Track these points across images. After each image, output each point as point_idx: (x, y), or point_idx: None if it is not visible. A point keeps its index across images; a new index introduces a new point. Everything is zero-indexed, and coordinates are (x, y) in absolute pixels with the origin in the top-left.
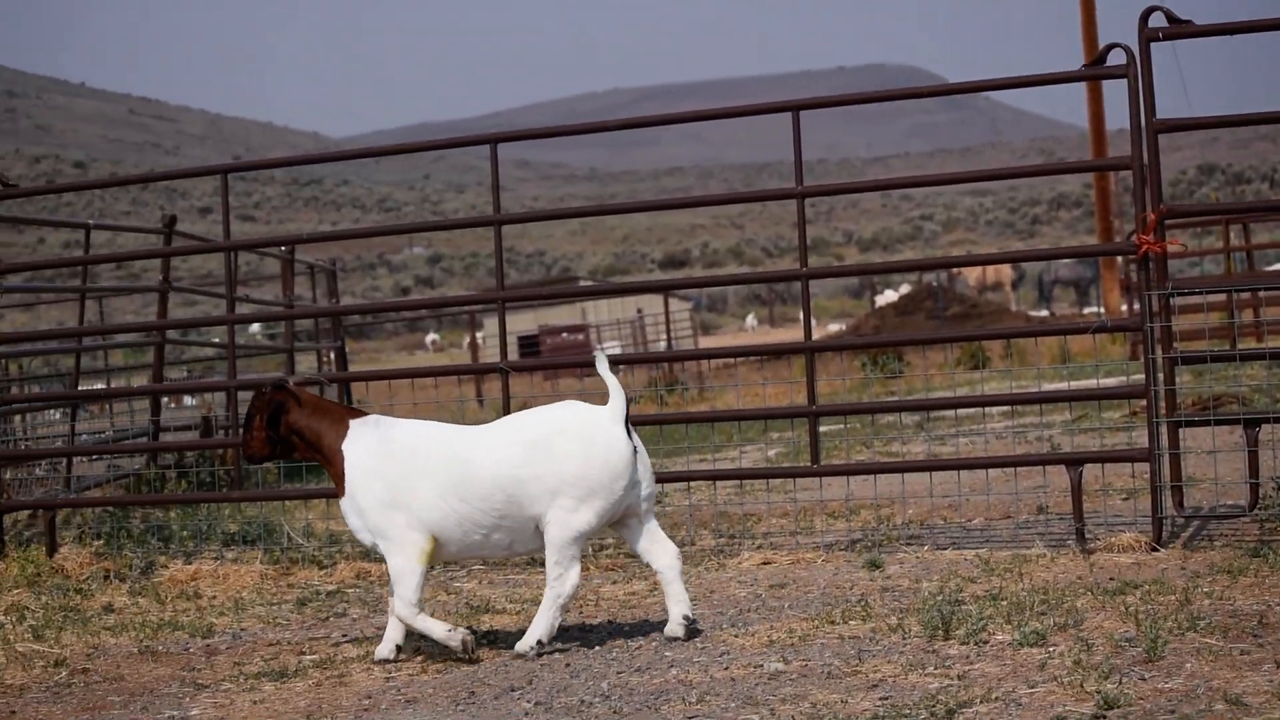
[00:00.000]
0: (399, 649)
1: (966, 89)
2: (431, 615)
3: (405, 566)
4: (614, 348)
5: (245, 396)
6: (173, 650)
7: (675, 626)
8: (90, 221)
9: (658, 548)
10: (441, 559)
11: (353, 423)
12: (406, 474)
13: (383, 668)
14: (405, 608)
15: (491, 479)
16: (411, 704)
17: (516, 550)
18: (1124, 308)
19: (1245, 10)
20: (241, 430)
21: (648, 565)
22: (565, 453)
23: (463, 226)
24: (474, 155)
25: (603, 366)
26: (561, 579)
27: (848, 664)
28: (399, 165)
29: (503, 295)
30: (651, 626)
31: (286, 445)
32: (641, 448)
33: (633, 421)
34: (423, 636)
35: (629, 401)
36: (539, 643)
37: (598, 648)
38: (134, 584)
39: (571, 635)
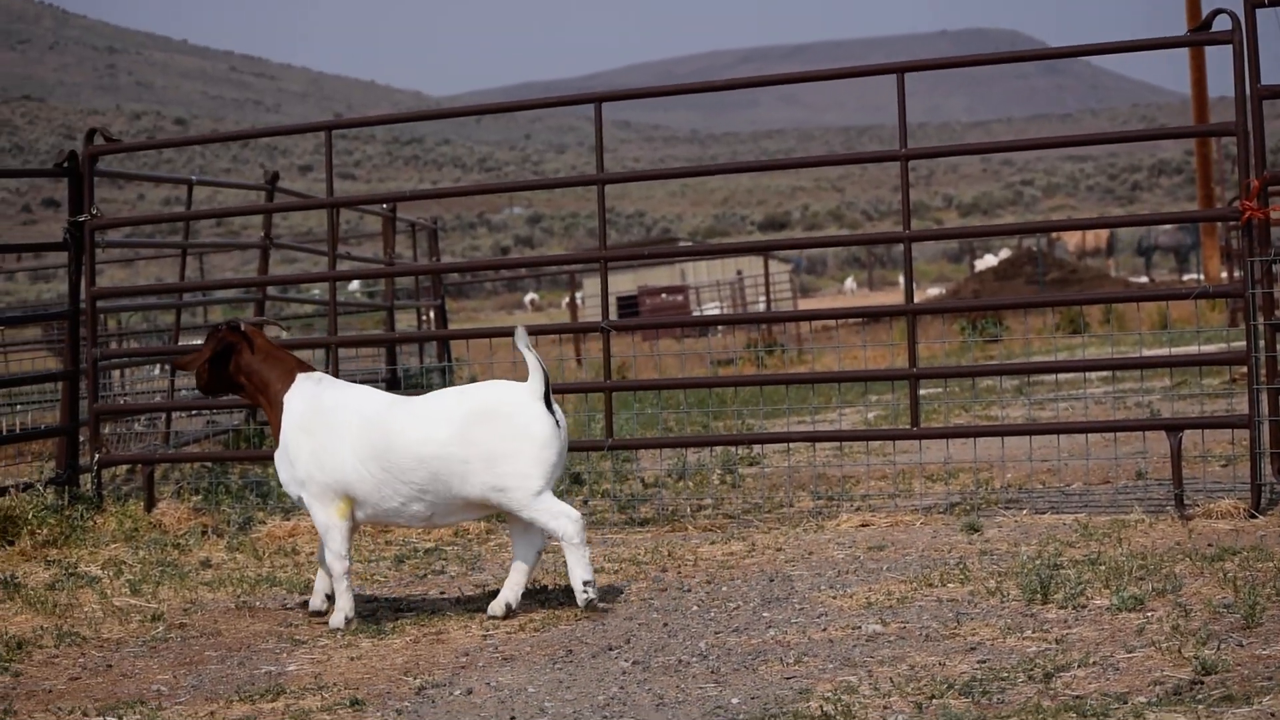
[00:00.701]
0: (327, 598)
1: (1068, 53)
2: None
3: (327, 521)
4: (713, 309)
5: (346, 353)
6: (270, 606)
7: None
8: (193, 177)
9: (527, 536)
10: (358, 519)
11: (299, 376)
12: (333, 434)
13: (480, 625)
14: (335, 560)
15: (415, 454)
16: (509, 662)
17: (436, 522)
18: (1224, 274)
19: None
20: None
21: (507, 537)
22: (494, 433)
23: (566, 185)
24: (574, 116)
25: (521, 342)
26: (561, 526)
27: (946, 626)
28: (499, 125)
29: (605, 255)
30: (750, 588)
31: (235, 384)
32: (564, 423)
33: (734, 382)
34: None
35: (548, 378)
36: (585, 583)
37: (695, 608)
38: (231, 539)
39: (670, 595)
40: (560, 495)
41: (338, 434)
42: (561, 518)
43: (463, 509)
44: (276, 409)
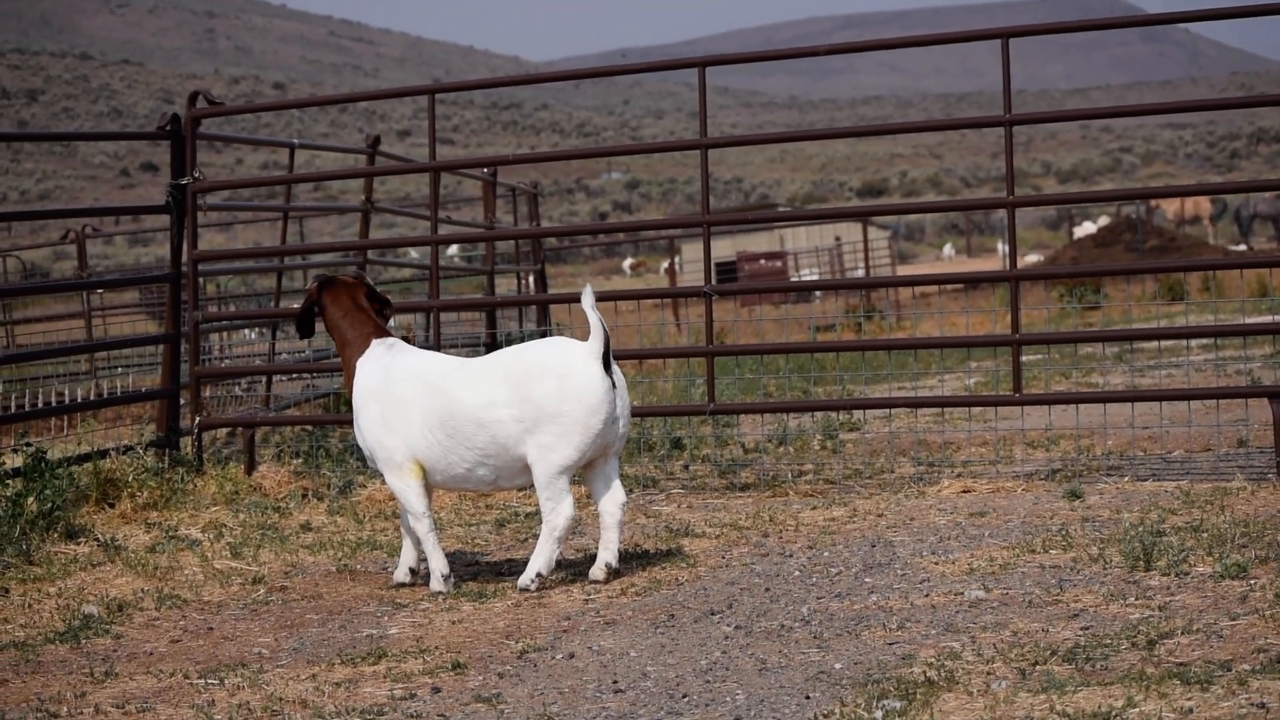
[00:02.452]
0: (411, 571)
1: (1168, 20)
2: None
3: (401, 485)
4: (811, 275)
5: (446, 318)
6: (371, 569)
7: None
8: (294, 141)
9: (609, 491)
10: (429, 485)
11: (374, 341)
12: (400, 401)
13: (582, 589)
14: (417, 522)
15: (474, 417)
16: (610, 626)
17: (502, 485)
18: None
19: None
20: None
21: (591, 503)
22: (543, 390)
23: (668, 150)
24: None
25: (587, 301)
26: (554, 513)
27: (1048, 593)
28: (598, 91)
29: (707, 219)
30: (851, 553)
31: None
32: (621, 384)
33: (835, 347)
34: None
35: (609, 338)
36: (538, 575)
37: (797, 573)
38: (332, 503)
39: (771, 560)
40: (661, 459)
41: (404, 401)
42: (563, 508)
43: (524, 471)
44: (349, 372)
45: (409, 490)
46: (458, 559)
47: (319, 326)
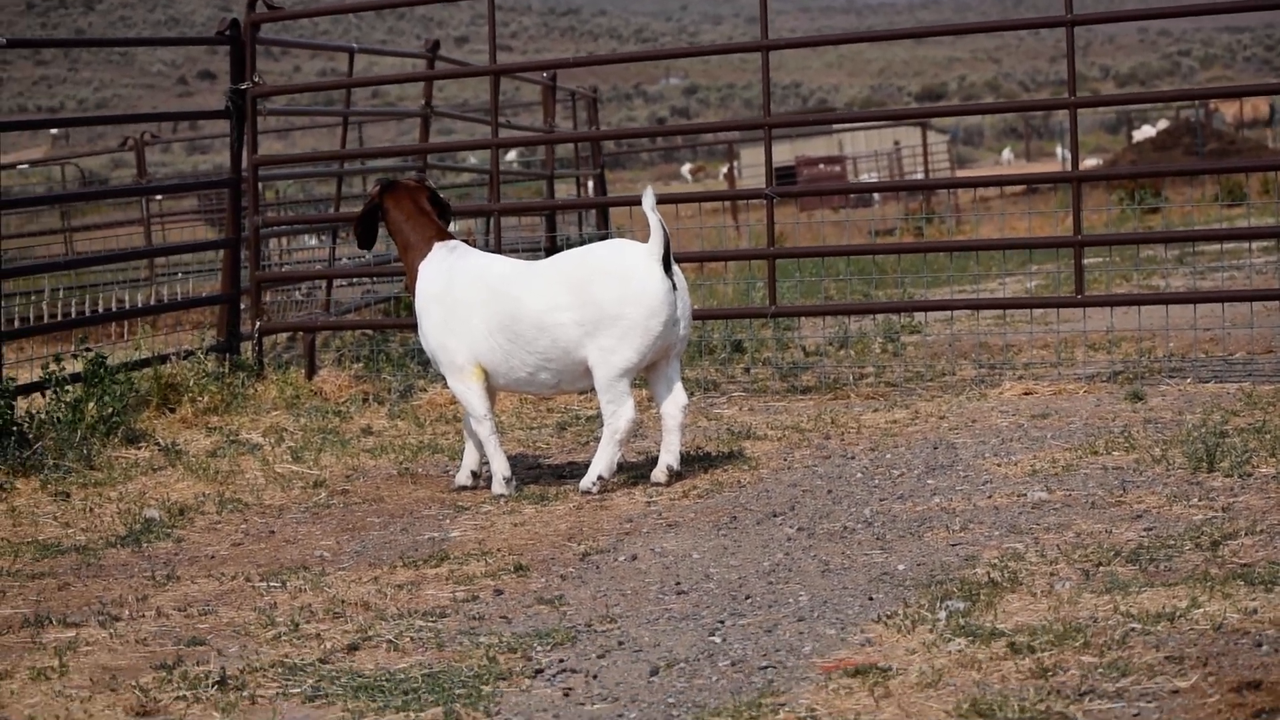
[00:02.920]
0: (475, 476)
1: None
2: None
3: (463, 388)
4: (870, 179)
5: (508, 222)
6: (432, 473)
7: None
8: (355, 45)
9: (671, 394)
10: (491, 388)
11: (436, 245)
12: (462, 305)
13: (644, 491)
14: (479, 425)
15: (536, 321)
16: (673, 528)
17: (564, 389)
18: None
19: None
20: None
21: (653, 406)
22: (603, 292)
23: (730, 52)
24: None
25: (648, 203)
26: (616, 415)
27: (1111, 494)
28: None
29: (768, 122)
30: (914, 455)
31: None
32: (682, 286)
33: (896, 249)
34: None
35: (669, 240)
36: (600, 478)
37: (859, 475)
38: (393, 407)
39: (834, 462)
40: (722, 363)
41: (467, 304)
42: (624, 410)
43: (585, 375)
44: (411, 276)
45: (471, 393)
46: (519, 462)
47: (380, 232)
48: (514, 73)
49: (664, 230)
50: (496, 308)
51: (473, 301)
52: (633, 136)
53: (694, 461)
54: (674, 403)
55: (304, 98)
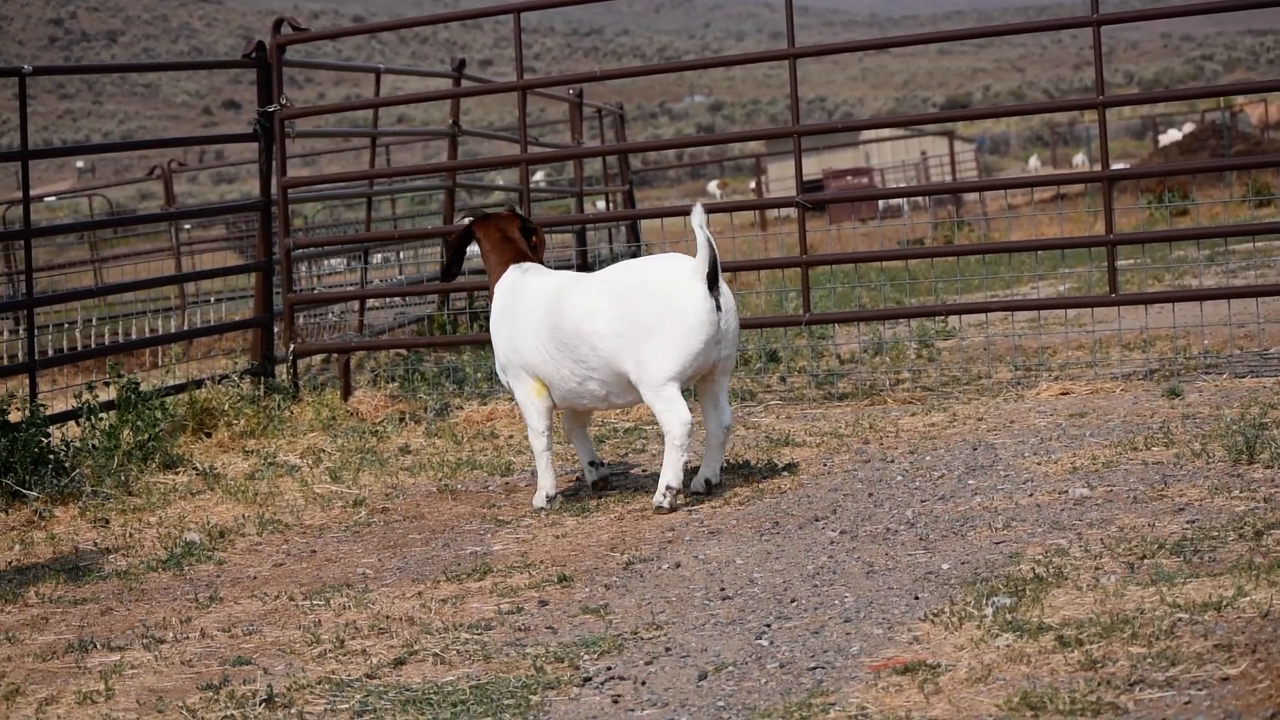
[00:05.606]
0: (595, 466)
1: None
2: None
3: (524, 400)
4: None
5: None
6: (471, 489)
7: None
8: (381, 66)
9: (715, 412)
10: (553, 405)
11: (511, 267)
12: (521, 319)
13: (685, 499)
14: (534, 438)
15: (575, 330)
16: (715, 535)
17: (614, 402)
18: None
19: None
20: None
21: (701, 424)
22: (643, 305)
23: (756, 61)
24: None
25: (697, 220)
26: (668, 421)
27: (1153, 489)
28: (678, 15)
29: (798, 130)
30: (953, 457)
31: None
32: (729, 306)
33: (929, 254)
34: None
35: (715, 258)
36: (669, 488)
37: (899, 478)
38: (429, 426)
39: (873, 466)
40: (758, 372)
41: (526, 317)
42: (675, 415)
43: (632, 387)
44: (492, 297)
45: (530, 407)
46: (558, 474)
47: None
48: (540, 88)
49: (711, 248)
50: (546, 317)
51: (530, 314)
52: (661, 149)
53: (734, 470)
54: (718, 421)
55: (330, 121)
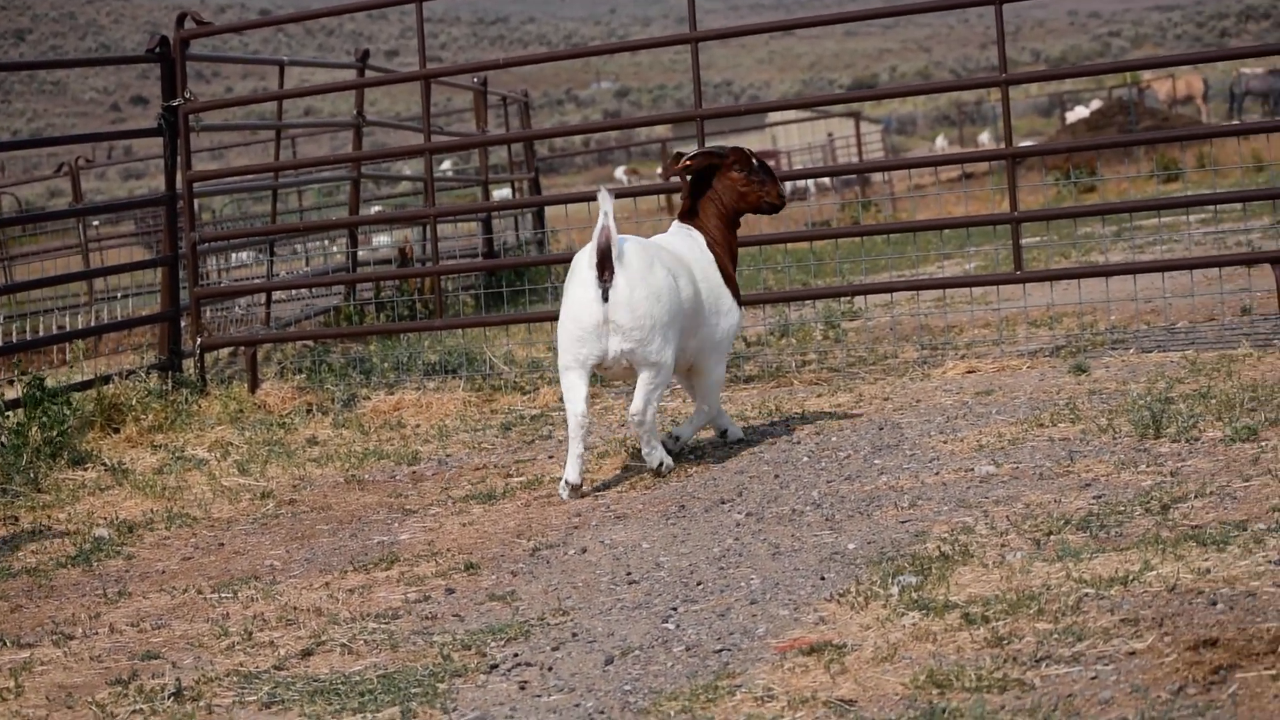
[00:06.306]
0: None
1: None
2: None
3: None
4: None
5: (443, 229)
6: (379, 479)
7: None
8: (285, 58)
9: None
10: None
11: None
12: None
13: (591, 485)
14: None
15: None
16: (622, 520)
17: (610, 380)
18: None
19: None
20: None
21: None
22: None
23: (659, 45)
24: None
25: (602, 205)
26: (568, 418)
27: (1059, 465)
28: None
29: (700, 113)
30: (859, 437)
31: None
32: (622, 297)
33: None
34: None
35: (606, 245)
36: (565, 483)
37: (805, 459)
38: (337, 417)
39: (779, 448)
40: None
41: None
42: (567, 406)
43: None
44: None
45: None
46: (464, 463)
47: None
48: (444, 76)
49: (603, 234)
50: None
51: None
52: (566, 135)
53: (639, 454)
54: (630, 410)
55: (238, 115)
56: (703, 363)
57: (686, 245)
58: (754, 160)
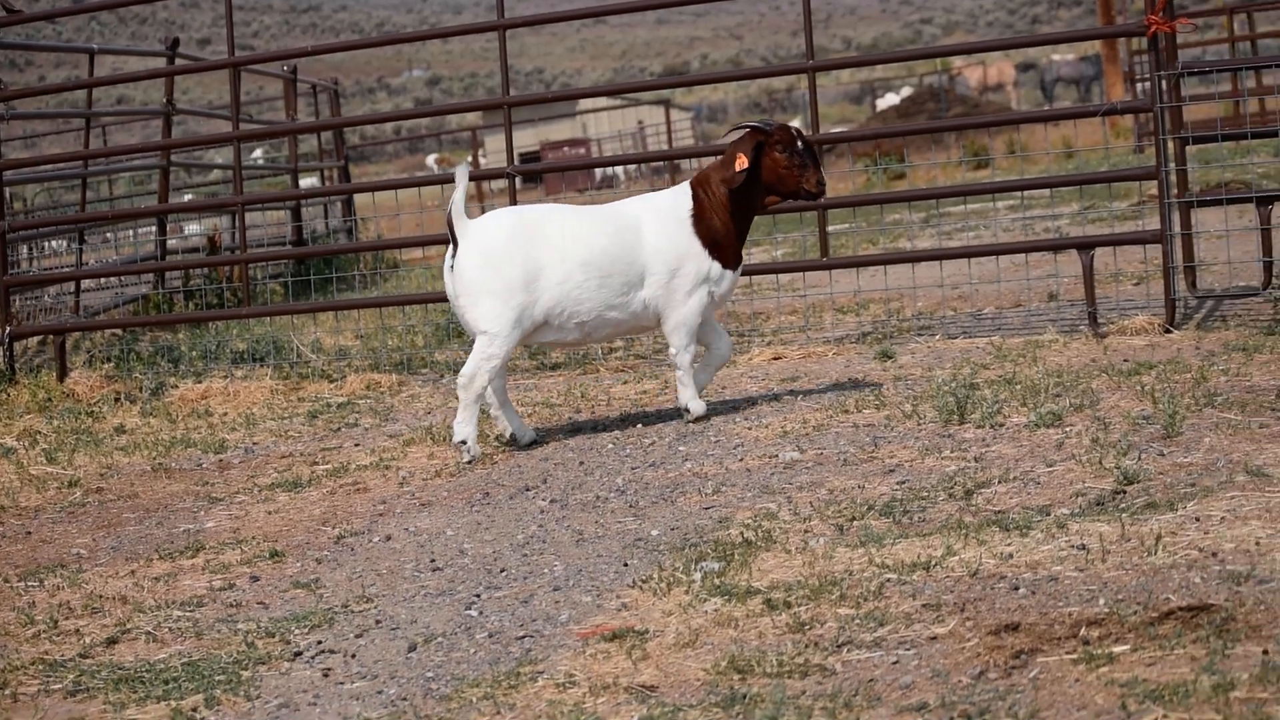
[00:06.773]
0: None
1: None
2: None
3: None
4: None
5: (251, 218)
6: (186, 467)
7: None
8: (94, 46)
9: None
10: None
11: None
12: None
13: (396, 474)
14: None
15: None
16: (426, 507)
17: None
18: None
19: None
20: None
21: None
22: None
23: (468, 33)
24: None
25: (459, 180)
26: (461, 376)
27: (863, 451)
28: None
29: (508, 101)
30: (664, 423)
31: None
32: (457, 261)
33: None
34: None
35: (450, 219)
36: (461, 441)
37: (610, 446)
38: (145, 405)
39: (584, 435)
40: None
41: None
42: (468, 364)
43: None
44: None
45: None
46: (270, 451)
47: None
48: (252, 64)
49: (450, 211)
50: None
51: None
52: (374, 122)
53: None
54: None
55: (51, 103)
56: (666, 317)
57: (654, 206)
58: (799, 143)
